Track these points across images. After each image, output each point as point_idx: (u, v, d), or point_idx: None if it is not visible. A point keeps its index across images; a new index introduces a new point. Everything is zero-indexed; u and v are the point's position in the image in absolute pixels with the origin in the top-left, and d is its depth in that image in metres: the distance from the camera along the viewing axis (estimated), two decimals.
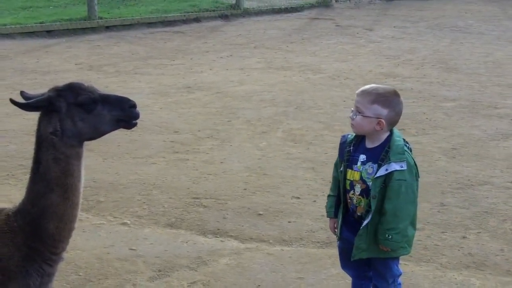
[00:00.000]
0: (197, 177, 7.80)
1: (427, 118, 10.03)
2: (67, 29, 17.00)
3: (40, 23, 16.99)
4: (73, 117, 3.95)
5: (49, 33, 16.77)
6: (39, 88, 11.39)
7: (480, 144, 8.92)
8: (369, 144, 4.55)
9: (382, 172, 4.40)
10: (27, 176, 7.64)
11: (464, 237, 6.35)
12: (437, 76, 12.70)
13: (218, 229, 6.53)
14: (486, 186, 7.54)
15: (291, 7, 20.94)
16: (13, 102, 3.99)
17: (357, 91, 4.59)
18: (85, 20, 17.42)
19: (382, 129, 4.45)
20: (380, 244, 4.47)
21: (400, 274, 4.72)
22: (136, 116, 4.11)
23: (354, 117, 4.51)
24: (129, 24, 17.82)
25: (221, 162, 8.29)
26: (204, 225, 6.62)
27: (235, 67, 13.54)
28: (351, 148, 4.62)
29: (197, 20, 18.90)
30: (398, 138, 4.47)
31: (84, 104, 3.97)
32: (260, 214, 6.85)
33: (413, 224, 4.54)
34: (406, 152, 4.41)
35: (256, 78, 12.57)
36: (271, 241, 6.31)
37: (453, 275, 5.67)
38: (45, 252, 4.05)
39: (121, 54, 14.81)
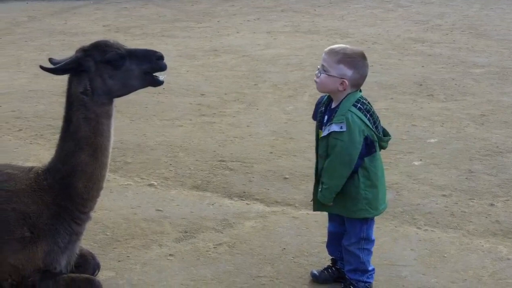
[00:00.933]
0: (223, 140, 7.80)
1: (456, 84, 9.93)
2: None
3: None
4: (102, 74, 3.98)
5: None
6: (68, 49, 11.45)
7: (510, 111, 8.82)
8: (333, 105, 4.56)
9: (325, 133, 4.47)
10: (56, 136, 7.69)
11: (491, 204, 6.29)
12: (467, 42, 12.55)
13: (244, 192, 6.54)
14: None
15: None
16: (43, 68, 4.02)
17: (325, 49, 4.58)
18: None
19: (345, 89, 4.45)
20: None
21: (367, 238, 4.69)
22: (164, 67, 4.14)
23: (319, 75, 4.52)
24: None
25: (247, 126, 8.28)
26: (230, 188, 6.62)
27: (262, 30, 13.48)
28: (323, 109, 4.63)
29: None
30: (350, 99, 4.45)
31: (112, 60, 3.99)
32: (286, 178, 6.84)
33: (374, 186, 4.53)
34: (350, 112, 4.38)
35: (283, 42, 12.51)
36: (296, 204, 6.30)
37: (480, 242, 5.63)
38: (73, 210, 4.10)
39: (148, 17, 14.80)
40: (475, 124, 8.31)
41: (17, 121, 8.27)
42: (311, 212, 6.10)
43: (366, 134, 4.42)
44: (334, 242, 4.95)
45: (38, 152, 7.37)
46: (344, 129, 4.35)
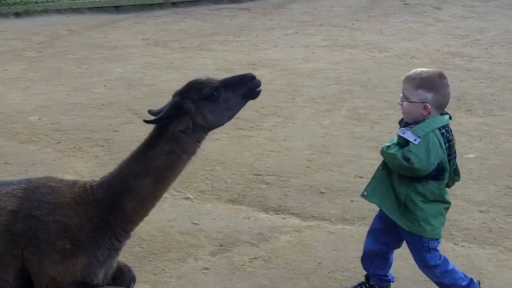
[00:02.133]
0: (259, 154, 7.82)
1: (495, 99, 9.84)
2: (135, 4, 17.19)
3: None
4: (203, 112, 4.07)
5: (117, 8, 16.98)
6: (107, 62, 11.61)
7: None
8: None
9: (399, 132, 4.47)
10: (93, 149, 7.83)
11: None
12: (506, 57, 12.43)
13: (280, 206, 6.54)
14: None
15: None
16: (146, 121, 4.09)
17: (402, 77, 4.57)
18: None
19: (429, 113, 4.42)
20: None
21: (436, 265, 4.63)
22: (258, 84, 4.21)
23: (401, 103, 4.51)
24: (196, 1, 17.92)
25: (284, 140, 8.29)
26: (266, 201, 6.63)
27: (300, 44, 13.50)
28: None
29: None
30: (437, 120, 4.42)
31: (209, 95, 4.06)
32: (322, 192, 6.83)
33: (428, 206, 4.49)
34: (432, 133, 4.35)
35: (321, 56, 12.51)
36: (332, 219, 6.29)
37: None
38: (116, 227, 4.15)
39: (187, 30, 14.90)
40: None
41: (56, 133, 8.37)
42: (347, 227, 6.13)
43: (441, 160, 4.39)
44: (369, 257, 4.93)
45: (76, 164, 7.45)
46: (416, 143, 4.32)
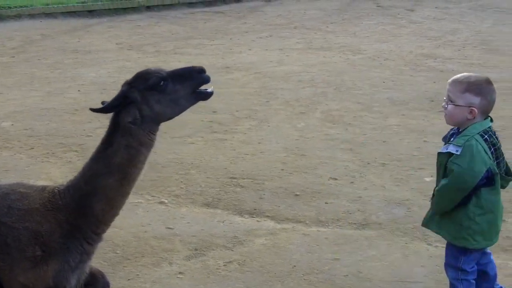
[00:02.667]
0: (234, 157, 7.81)
1: None
2: (109, 9, 17.11)
3: (82, 3, 17.12)
4: (149, 101, 4.02)
5: (91, 12, 16.90)
6: (80, 67, 11.54)
7: None
8: (461, 129, 4.50)
9: (443, 149, 4.44)
10: (67, 155, 7.79)
11: (503, 220, 6.21)
12: (479, 58, 12.52)
13: (255, 209, 6.54)
14: None
15: None
16: (93, 109, 4.06)
17: (448, 80, 4.53)
18: (126, 0, 17.49)
19: (474, 117, 4.38)
20: None
21: (464, 270, 4.57)
22: (207, 79, 4.15)
23: (446, 106, 4.47)
24: (170, 4, 17.87)
25: (259, 143, 8.29)
26: (241, 205, 6.63)
27: (274, 47, 13.51)
28: (455, 131, 4.60)
29: (237, 0, 18.87)
30: (477, 126, 4.37)
31: (154, 85, 4.03)
32: (297, 195, 6.84)
33: (484, 218, 4.44)
34: (474, 140, 4.30)
35: (295, 59, 12.53)
36: (307, 222, 6.30)
37: None
38: (87, 230, 4.11)
39: (161, 34, 14.87)
40: None
41: (29, 139, 8.31)
42: (322, 229, 6.13)
43: (488, 166, 4.34)
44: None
45: (50, 170, 7.40)
46: (459, 153, 4.29)
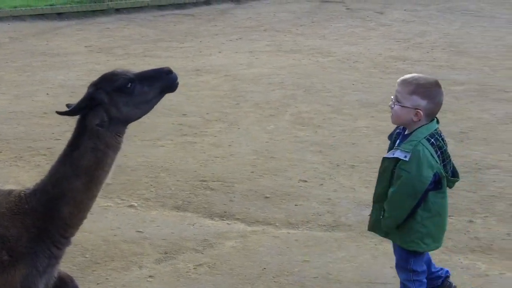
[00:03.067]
0: (204, 160, 7.80)
1: None
2: (77, 11, 17.01)
3: (51, 5, 16.99)
4: (117, 103, 3.99)
5: (59, 15, 16.79)
6: (49, 70, 11.46)
7: (489, 128, 8.88)
8: (406, 131, 4.54)
9: (389, 155, 4.45)
10: (35, 158, 7.74)
11: (470, 221, 6.33)
12: (447, 60, 12.64)
13: (225, 212, 6.54)
14: (494, 170, 7.52)
15: None
16: (59, 112, 4.02)
17: (398, 80, 4.52)
18: (95, 2, 17.42)
19: (419, 120, 4.39)
20: None
21: (415, 271, 4.62)
22: (175, 79, 4.13)
23: (393, 106, 4.48)
24: (139, 7, 17.80)
25: (229, 145, 8.29)
26: (211, 207, 6.63)
27: (244, 50, 13.52)
28: (399, 131, 4.64)
29: (207, 2, 18.87)
30: (423, 131, 4.39)
31: (122, 87, 4.00)
32: (267, 197, 6.85)
33: (432, 221, 4.48)
34: (421, 145, 4.32)
35: (265, 61, 12.55)
36: (277, 224, 6.31)
37: (459, 259, 5.66)
38: (54, 234, 4.08)
39: (131, 37, 14.82)
40: (455, 141, 8.34)
41: None
42: (292, 231, 6.16)
43: (435, 171, 4.36)
44: None
45: (18, 174, 7.34)
46: (407, 159, 4.30)
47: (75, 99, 9.94)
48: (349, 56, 12.90)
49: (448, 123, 9.03)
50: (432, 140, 4.40)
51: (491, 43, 14.17)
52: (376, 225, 4.67)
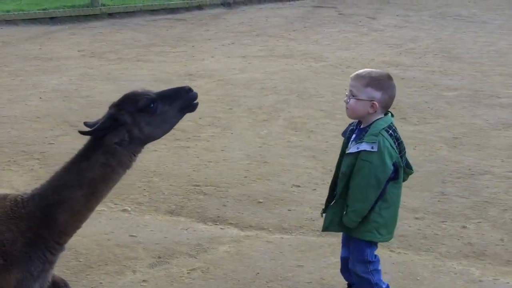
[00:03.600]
0: (197, 165, 7.80)
1: (428, 107, 10.02)
2: (70, 16, 17.00)
3: (43, 9, 16.98)
4: (139, 123, 4.02)
5: (52, 19, 16.77)
6: (42, 74, 11.45)
7: (482, 134, 8.91)
8: (362, 125, 4.61)
9: (353, 149, 4.50)
10: (29, 162, 7.72)
11: (464, 227, 6.35)
12: (440, 65, 12.68)
13: (218, 216, 6.54)
14: (487, 175, 7.54)
15: None
16: (81, 132, 4.01)
17: (351, 75, 4.64)
18: (88, 7, 17.41)
19: (375, 111, 4.48)
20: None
21: (371, 262, 4.67)
22: (195, 96, 4.18)
23: (348, 100, 4.55)
24: (132, 12, 17.81)
25: (222, 150, 8.29)
26: (204, 212, 6.62)
27: (237, 55, 13.54)
28: (353, 127, 4.69)
29: (199, 7, 18.90)
30: (382, 122, 4.48)
31: (145, 107, 4.02)
32: (260, 202, 6.86)
33: (388, 212, 4.55)
34: (381, 136, 4.40)
35: (257, 66, 12.56)
36: (270, 229, 6.31)
37: (452, 265, 5.68)
38: (49, 239, 4.08)
39: (123, 41, 14.81)
40: (448, 147, 8.38)
41: None
42: (285, 236, 6.15)
43: (394, 160, 4.44)
44: (348, 268, 4.92)
45: (11, 178, 7.32)
46: (375, 149, 4.37)
47: (68, 104, 9.98)
48: (342, 61, 12.93)
49: (441, 128, 9.08)
50: (390, 131, 4.49)
51: (483, 48, 14.23)
52: (332, 223, 4.71)
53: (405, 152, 4.61)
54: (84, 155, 4.04)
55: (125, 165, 4.06)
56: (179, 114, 4.18)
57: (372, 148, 4.38)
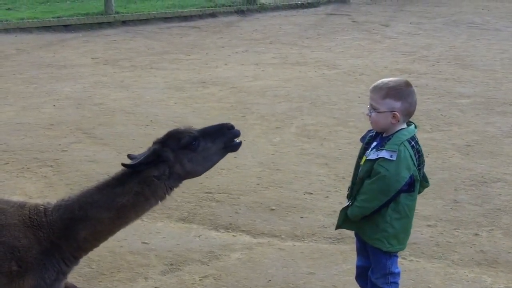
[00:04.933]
0: (210, 172, 7.77)
1: (441, 115, 10.00)
2: (84, 23, 17.08)
3: (57, 17, 17.07)
4: (182, 160, 4.10)
5: (66, 27, 16.86)
6: (55, 82, 11.50)
7: (494, 141, 8.89)
8: (385, 134, 4.59)
9: (373, 156, 4.49)
10: (42, 170, 7.75)
11: (476, 234, 6.34)
12: (453, 73, 12.66)
13: (230, 223, 6.55)
14: (499, 183, 7.52)
15: (307, 3, 20.91)
16: (124, 165, 4.06)
17: (370, 88, 4.61)
18: (102, 14, 17.49)
19: (398, 121, 4.45)
20: None
21: (393, 273, 4.66)
22: (237, 134, 4.31)
23: (370, 114, 4.54)
24: (146, 19, 17.88)
25: (235, 157, 8.29)
26: (216, 219, 6.64)
27: (250, 62, 13.56)
28: (373, 134, 4.70)
29: (213, 15, 18.94)
30: (405, 133, 4.46)
31: (188, 144, 4.10)
32: (272, 209, 6.86)
33: (400, 222, 4.53)
34: (403, 146, 4.39)
35: (271, 74, 12.58)
36: (283, 236, 6.32)
37: (465, 272, 5.67)
38: (66, 251, 4.11)
39: (137, 49, 14.86)
40: (461, 154, 8.37)
41: (4, 154, 8.27)
42: (297, 243, 6.16)
43: (412, 172, 4.42)
44: (363, 276, 4.91)
45: (24, 185, 7.36)
46: (394, 158, 4.36)
47: (81, 111, 10.02)
48: (355, 69, 12.93)
49: (453, 136, 9.06)
50: (413, 143, 4.47)
51: (496, 56, 14.19)
52: (346, 221, 4.74)
53: (423, 165, 4.59)
54: (119, 180, 4.08)
55: (159, 197, 4.13)
56: (221, 152, 4.24)
57: (391, 156, 4.36)
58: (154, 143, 4.17)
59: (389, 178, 4.37)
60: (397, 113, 4.42)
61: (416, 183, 4.49)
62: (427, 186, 4.70)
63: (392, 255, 4.65)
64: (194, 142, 4.11)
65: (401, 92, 4.47)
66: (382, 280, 4.68)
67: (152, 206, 4.14)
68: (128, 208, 4.05)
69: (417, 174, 4.48)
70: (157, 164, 4.07)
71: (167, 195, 4.15)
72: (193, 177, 4.25)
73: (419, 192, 4.64)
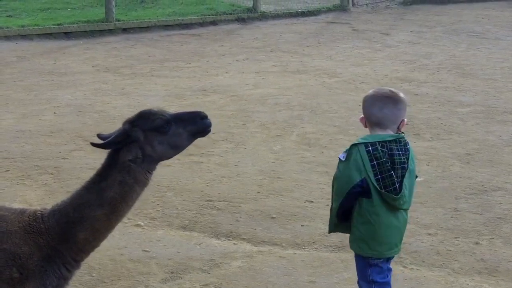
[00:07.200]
0: (211, 180, 7.83)
1: (442, 123, 10.01)
2: (85, 31, 17.07)
3: (58, 24, 17.06)
4: (152, 142, 4.11)
5: (67, 34, 16.86)
6: (56, 89, 11.51)
7: (495, 150, 8.90)
8: None
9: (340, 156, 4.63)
10: (42, 177, 7.76)
11: (477, 243, 6.34)
12: (453, 81, 12.67)
13: (231, 232, 6.56)
14: (500, 192, 7.53)
15: (308, 11, 20.90)
16: (93, 144, 4.09)
17: None
18: (103, 22, 17.48)
19: (366, 127, 4.66)
20: None
21: (376, 282, 4.59)
22: (208, 125, 4.28)
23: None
24: (146, 27, 17.87)
25: (235, 165, 8.31)
26: (217, 227, 6.64)
27: (251, 70, 13.57)
28: None
29: (213, 23, 18.94)
30: (367, 137, 4.54)
31: (159, 127, 4.11)
32: (273, 218, 6.87)
33: (367, 226, 4.51)
34: (355, 149, 4.45)
35: (271, 82, 12.59)
36: (283, 244, 6.32)
37: (465, 281, 5.67)
38: (66, 256, 4.12)
39: (137, 56, 14.87)
40: (461, 163, 8.37)
41: (4, 161, 8.27)
42: (298, 251, 6.17)
43: (363, 176, 4.41)
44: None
45: (25, 192, 7.37)
46: (343, 159, 4.47)
47: (82, 118, 10.04)
48: (355, 77, 12.94)
49: (454, 145, 9.07)
50: (370, 148, 4.44)
51: (496, 65, 14.20)
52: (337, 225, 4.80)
53: (389, 176, 4.41)
54: (102, 175, 4.11)
55: (142, 182, 4.13)
56: (191, 138, 4.25)
57: (343, 157, 4.50)
58: (124, 123, 4.18)
59: (340, 178, 4.51)
60: (363, 118, 4.64)
61: (372, 190, 4.43)
62: (394, 200, 4.43)
63: (371, 263, 4.59)
64: (165, 126, 4.12)
65: (373, 101, 4.60)
66: (365, 286, 4.67)
67: (138, 194, 4.15)
68: (118, 200, 4.06)
69: (373, 181, 4.39)
70: (128, 146, 4.07)
71: (148, 180, 4.16)
72: (166, 159, 4.25)
73: (392, 204, 4.46)
